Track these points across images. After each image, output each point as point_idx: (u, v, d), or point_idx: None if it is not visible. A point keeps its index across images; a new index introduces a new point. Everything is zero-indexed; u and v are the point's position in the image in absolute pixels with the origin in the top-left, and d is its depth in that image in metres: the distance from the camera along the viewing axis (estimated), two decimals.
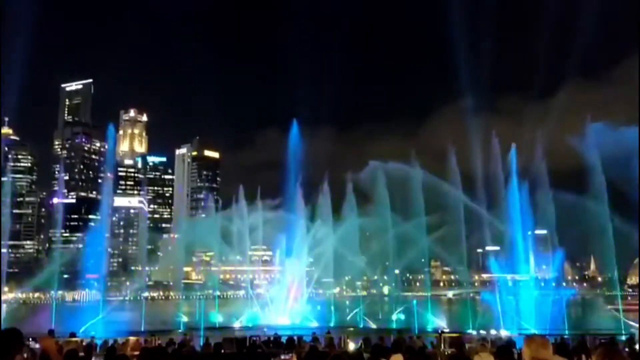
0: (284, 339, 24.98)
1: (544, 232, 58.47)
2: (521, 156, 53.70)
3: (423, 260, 66.51)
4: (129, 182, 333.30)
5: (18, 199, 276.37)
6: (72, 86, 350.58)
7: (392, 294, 73.57)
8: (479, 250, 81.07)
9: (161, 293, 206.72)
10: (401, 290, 69.03)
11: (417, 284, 66.32)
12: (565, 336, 30.03)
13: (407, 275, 73.53)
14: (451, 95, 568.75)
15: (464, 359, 8.25)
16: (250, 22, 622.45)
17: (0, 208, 54.08)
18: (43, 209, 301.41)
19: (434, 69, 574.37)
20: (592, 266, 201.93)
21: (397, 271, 74.60)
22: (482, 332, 36.16)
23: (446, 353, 17.66)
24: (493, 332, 37.05)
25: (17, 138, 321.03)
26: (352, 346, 24.69)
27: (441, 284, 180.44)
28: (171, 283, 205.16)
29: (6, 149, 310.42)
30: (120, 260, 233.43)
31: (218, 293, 73.36)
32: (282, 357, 19.15)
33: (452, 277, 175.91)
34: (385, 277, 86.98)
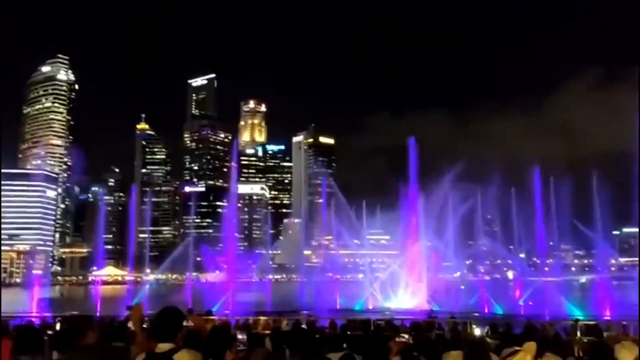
0: (406, 323, 24.88)
1: None
2: None
3: (552, 243, 62.81)
4: (250, 170, 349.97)
5: (155, 189, 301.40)
6: (198, 81, 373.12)
7: (518, 278, 70.30)
8: (616, 232, 74.65)
9: (284, 275, 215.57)
10: (527, 275, 65.69)
11: (546, 268, 62.55)
12: None
13: (535, 259, 69.69)
14: (577, 68, 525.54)
15: (605, 348, 7.71)
16: (364, 18, 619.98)
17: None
18: (177, 197, 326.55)
19: (556, 39, 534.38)
20: None
21: (522, 255, 71.17)
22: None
23: (583, 341, 16.59)
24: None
25: (153, 133, 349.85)
26: (477, 332, 24.04)
27: (572, 268, 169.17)
28: (293, 266, 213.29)
29: (143, 143, 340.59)
30: (246, 244, 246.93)
31: (338, 276, 74.77)
32: (397, 339, 19.10)
33: (585, 261, 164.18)
34: (510, 262, 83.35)
